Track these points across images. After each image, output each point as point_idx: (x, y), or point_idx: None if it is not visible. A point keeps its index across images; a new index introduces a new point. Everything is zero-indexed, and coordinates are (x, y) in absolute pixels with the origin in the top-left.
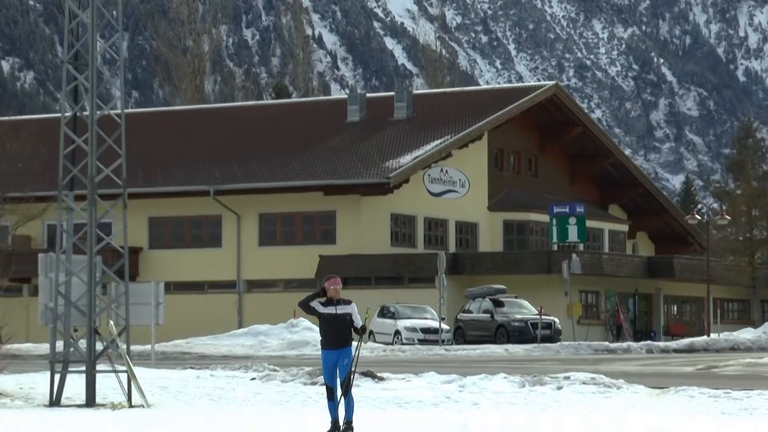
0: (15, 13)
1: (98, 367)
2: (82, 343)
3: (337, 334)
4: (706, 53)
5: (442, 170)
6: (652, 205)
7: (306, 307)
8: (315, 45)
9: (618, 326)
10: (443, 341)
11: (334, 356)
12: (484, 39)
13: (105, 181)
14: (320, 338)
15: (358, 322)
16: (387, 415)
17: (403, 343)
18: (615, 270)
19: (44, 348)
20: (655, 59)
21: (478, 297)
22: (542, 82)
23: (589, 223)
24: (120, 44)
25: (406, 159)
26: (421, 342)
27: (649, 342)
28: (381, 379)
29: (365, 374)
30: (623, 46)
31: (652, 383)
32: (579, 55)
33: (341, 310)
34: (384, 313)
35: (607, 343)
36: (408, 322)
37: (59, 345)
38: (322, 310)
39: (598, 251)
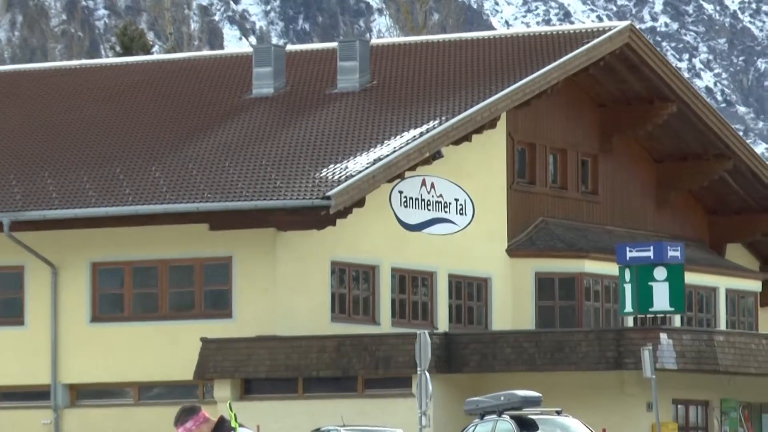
0: None
1: None
2: None
3: None
4: None
5: (424, 184)
6: None
7: None
8: None
9: None
10: None
11: None
12: None
13: None
14: None
15: None
16: None
17: None
18: (738, 362)
19: None
20: None
21: (489, 413)
22: (606, 23)
23: (691, 278)
24: None
25: (359, 163)
26: None
27: None
28: None
29: None
30: None
31: None
32: None
33: None
34: None
35: None
36: None
37: None
38: None
39: (707, 329)
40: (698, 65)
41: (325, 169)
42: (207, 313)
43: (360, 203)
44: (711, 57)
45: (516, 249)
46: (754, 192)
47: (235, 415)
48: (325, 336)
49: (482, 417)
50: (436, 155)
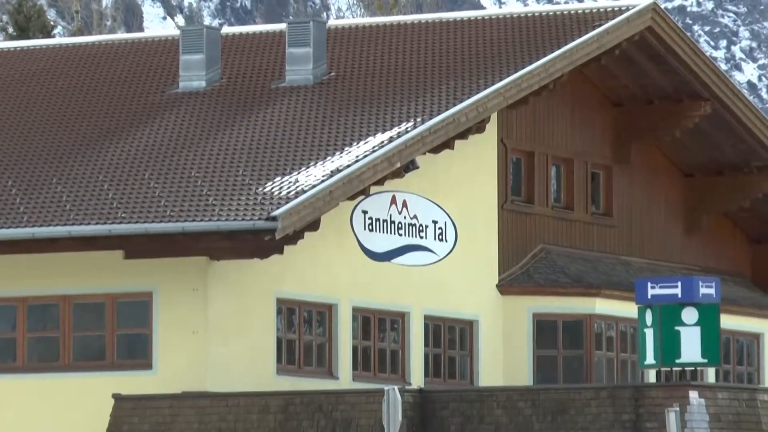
0: None
1: None
2: None
3: None
4: None
5: (394, 202)
6: None
7: None
8: None
9: None
10: None
11: None
12: None
13: None
14: None
15: None
16: None
17: None
18: None
19: None
20: None
21: None
22: (623, 1)
23: (729, 321)
24: None
25: (313, 176)
26: None
27: None
28: None
29: None
30: None
31: None
32: None
33: None
34: None
35: None
36: None
37: None
38: None
39: (748, 386)
40: (738, 55)
41: (270, 183)
42: (121, 363)
43: (313, 226)
44: (754, 44)
45: (509, 284)
46: None
47: None
48: (269, 393)
49: None
50: (410, 166)
